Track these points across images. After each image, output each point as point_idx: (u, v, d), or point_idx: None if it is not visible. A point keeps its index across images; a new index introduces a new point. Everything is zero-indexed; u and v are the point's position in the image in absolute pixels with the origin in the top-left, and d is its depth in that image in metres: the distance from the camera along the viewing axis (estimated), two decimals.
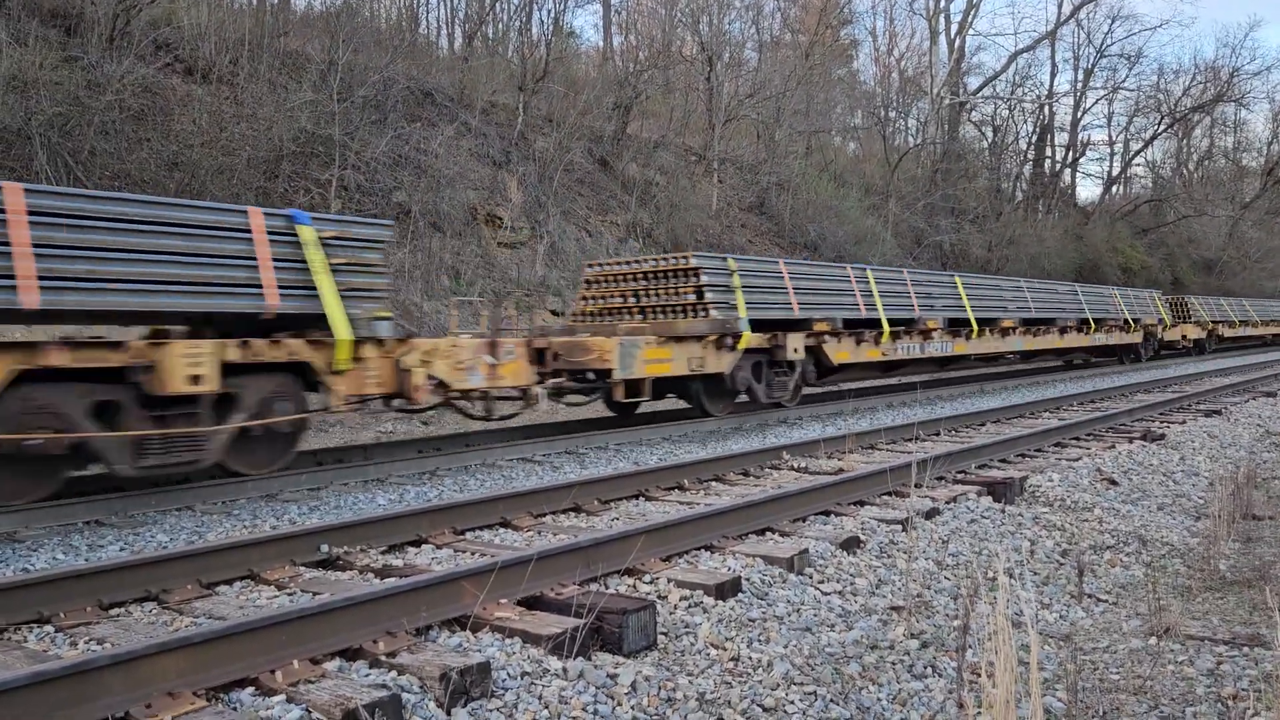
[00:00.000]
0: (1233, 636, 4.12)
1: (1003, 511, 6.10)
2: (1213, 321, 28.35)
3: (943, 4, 39.24)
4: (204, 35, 16.22)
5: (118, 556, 5.07)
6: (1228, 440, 10.00)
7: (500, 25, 25.86)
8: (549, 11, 25.90)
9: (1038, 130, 43.99)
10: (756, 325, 10.92)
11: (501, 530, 5.56)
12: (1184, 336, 26.37)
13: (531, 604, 3.84)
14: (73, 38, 14.05)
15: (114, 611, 4.05)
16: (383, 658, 3.24)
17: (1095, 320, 19.85)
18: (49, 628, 3.81)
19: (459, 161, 18.24)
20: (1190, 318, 26.94)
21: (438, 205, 16.81)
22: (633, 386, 9.87)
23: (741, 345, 10.62)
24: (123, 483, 7.21)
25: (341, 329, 6.98)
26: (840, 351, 12.34)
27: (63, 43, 13.73)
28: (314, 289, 6.89)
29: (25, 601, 3.86)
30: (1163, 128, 47.21)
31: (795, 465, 7.67)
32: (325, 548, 4.86)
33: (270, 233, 6.75)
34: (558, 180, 20.08)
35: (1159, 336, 23.94)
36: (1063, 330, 18.58)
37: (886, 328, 13.15)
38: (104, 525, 5.96)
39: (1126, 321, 21.30)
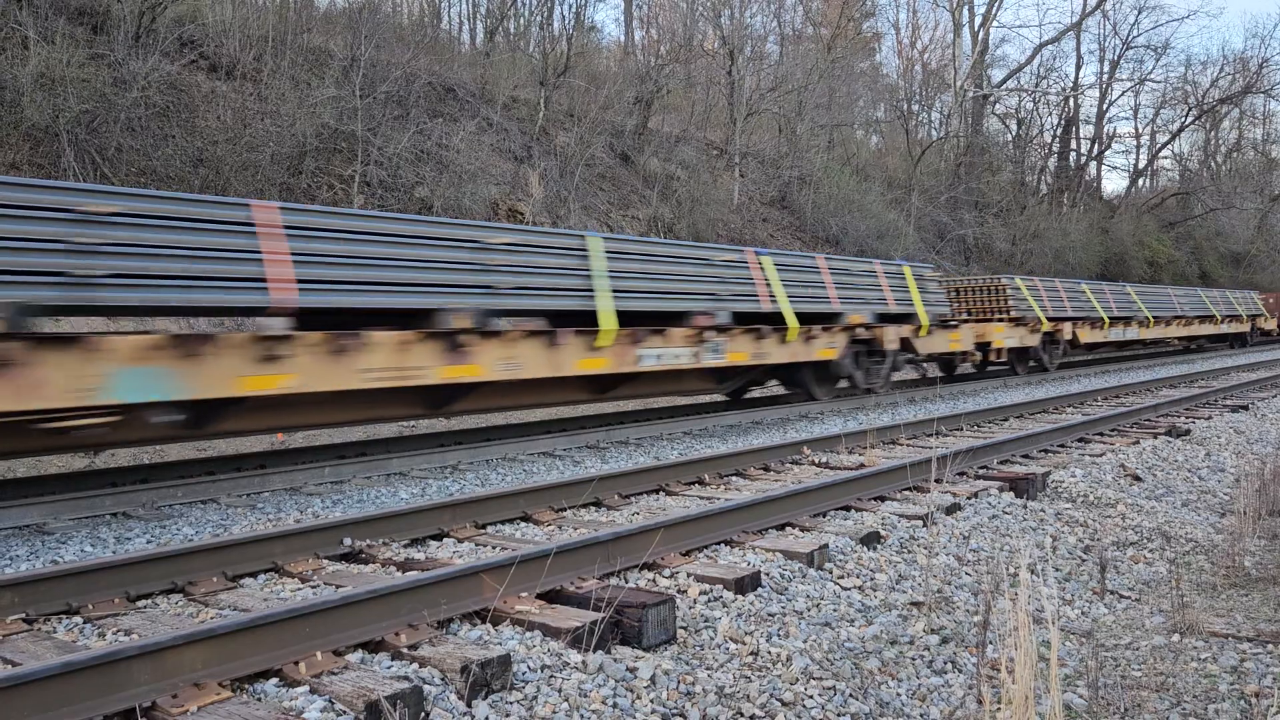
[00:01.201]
0: (1257, 634, 4.09)
1: (1025, 507, 6.07)
2: (1057, 320, 18.19)
3: None
4: (228, 32, 16.36)
5: (144, 549, 5.14)
6: (1254, 436, 9.89)
7: (521, 20, 25.92)
8: (570, 6, 25.96)
9: (1062, 123, 43.61)
10: None
11: (522, 524, 5.59)
12: (976, 346, 15.60)
13: (551, 598, 3.86)
14: (99, 35, 14.20)
15: (141, 603, 4.11)
16: (404, 650, 3.27)
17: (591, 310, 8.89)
18: (77, 619, 3.87)
19: (481, 156, 18.29)
20: (1008, 312, 16.99)
21: (459, 200, 16.87)
22: None
23: None
24: (148, 474, 7.31)
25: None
26: None
27: (89, 40, 13.88)
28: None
29: (54, 593, 3.93)
30: (1190, 120, 46.67)
31: (816, 460, 7.66)
32: (348, 541, 4.91)
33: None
34: (579, 175, 20.11)
35: (885, 349, 12.74)
36: (455, 342, 7.65)
37: None
38: (131, 518, 6.04)
39: (736, 316, 10.45)
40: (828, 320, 11.92)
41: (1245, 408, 11.59)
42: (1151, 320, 22.00)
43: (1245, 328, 28.92)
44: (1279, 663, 3.79)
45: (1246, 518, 5.92)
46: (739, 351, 10.44)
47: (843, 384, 12.76)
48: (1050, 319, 17.89)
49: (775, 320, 11.00)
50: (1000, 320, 16.83)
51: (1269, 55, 48.61)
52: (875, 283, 12.92)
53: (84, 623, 3.83)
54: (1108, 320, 20.04)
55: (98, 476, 7.26)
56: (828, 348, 11.87)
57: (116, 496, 6.23)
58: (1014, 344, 16.86)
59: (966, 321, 16.03)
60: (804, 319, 11.37)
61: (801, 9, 35.63)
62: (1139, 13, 49.95)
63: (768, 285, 10.96)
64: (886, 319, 12.92)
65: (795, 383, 12.54)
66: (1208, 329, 25.68)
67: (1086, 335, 19.31)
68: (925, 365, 16.38)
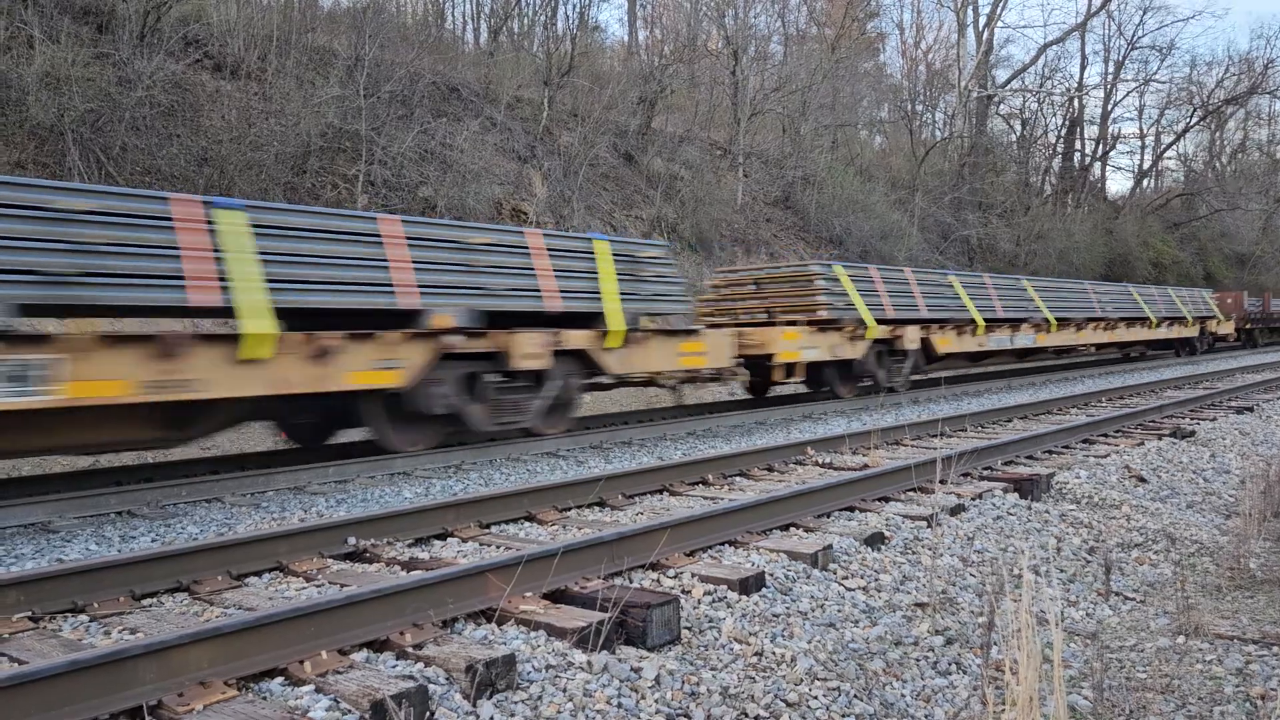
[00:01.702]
0: (1262, 636, 4.09)
1: (1029, 508, 6.06)
2: (897, 323, 13.53)
3: None
4: (232, 32, 16.38)
5: (150, 548, 5.15)
6: (1259, 437, 9.88)
7: (525, 20, 25.94)
8: (574, 6, 25.99)
9: (1067, 123, 43.55)
10: None
11: (526, 524, 5.59)
12: (747, 361, 11.75)
13: (556, 597, 3.86)
14: (104, 35, 14.23)
15: (146, 601, 4.12)
16: (409, 649, 3.28)
17: None
18: (83, 617, 3.88)
19: (484, 156, 18.30)
20: (816, 311, 12.27)
21: (463, 200, 16.89)
22: None
23: None
24: (152, 473, 7.32)
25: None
26: None
27: (94, 40, 13.90)
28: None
29: (60, 591, 3.93)
30: (1195, 120, 46.58)
31: (820, 461, 7.66)
32: (352, 540, 4.91)
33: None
34: (582, 175, 20.11)
35: (522, 368, 8.40)
36: None
37: None
38: (136, 516, 6.05)
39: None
40: (396, 322, 7.65)
41: (1250, 409, 11.56)
42: (1054, 323, 17.28)
43: (1192, 332, 24.28)
44: None
45: (1252, 519, 5.91)
46: (103, 380, 5.96)
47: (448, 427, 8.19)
48: (886, 321, 13.23)
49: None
50: (796, 324, 12.08)
51: (1274, 56, 48.29)
52: (519, 264, 8.52)
53: (90, 621, 3.84)
54: (982, 323, 15.19)
55: (102, 475, 7.28)
56: (379, 369, 7.34)
57: (121, 495, 6.24)
58: (819, 357, 12.03)
59: (722, 325, 11.87)
60: (333, 318, 7.62)
61: (805, 9, 35.64)
62: (1144, 13, 49.76)
63: (218, 261, 6.59)
64: (535, 320, 8.91)
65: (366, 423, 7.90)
66: (1139, 334, 21.09)
67: (948, 343, 14.49)
68: (680, 388, 11.08)
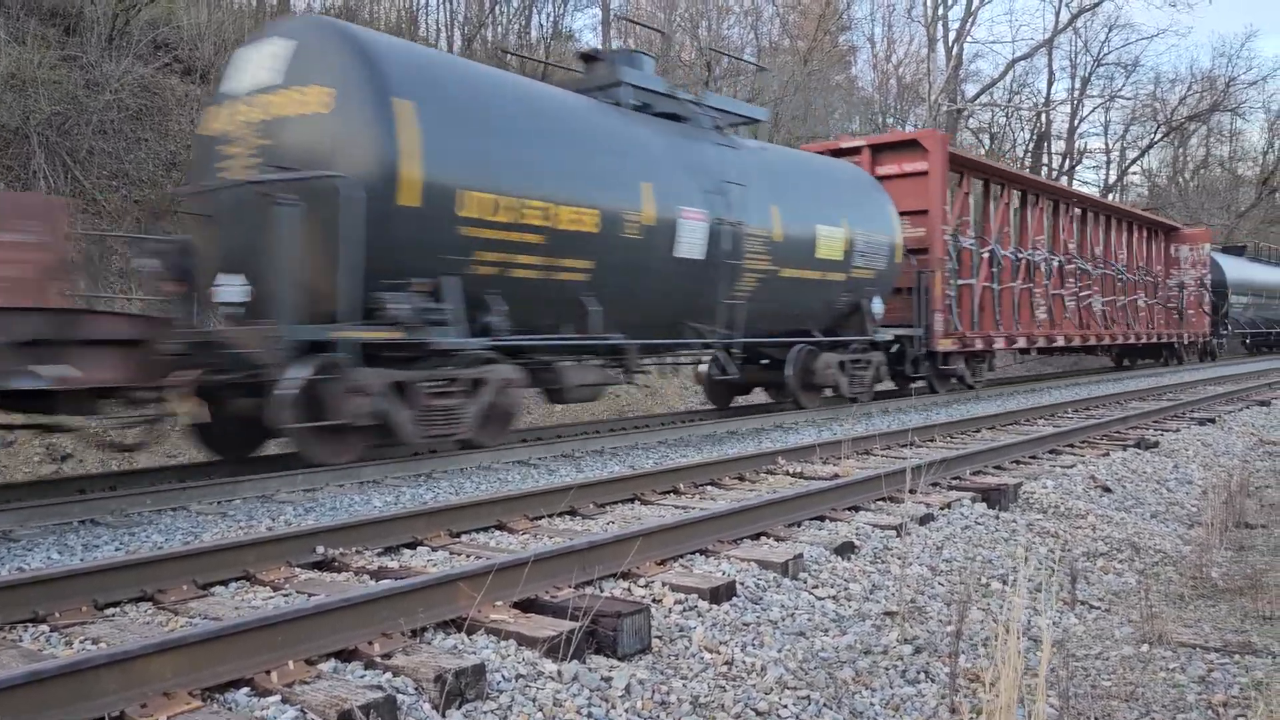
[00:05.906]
0: (1224, 644, 4.15)
1: (997, 517, 6.12)
2: None
3: (941, 11, 39.35)
4: (202, 35, 16.24)
5: (113, 556, 5.07)
6: (1221, 449, 10.03)
7: (500, 28, 25.90)
8: (548, 15, 25.99)
9: (1035, 138, 44.15)
10: None
11: (497, 533, 5.56)
12: None
13: (527, 606, 3.84)
14: (71, 37, 14.06)
15: (109, 611, 4.05)
16: (378, 659, 3.25)
17: None
18: (44, 627, 3.81)
19: None
20: None
21: None
22: None
23: None
24: (116, 481, 7.22)
25: None
26: None
27: (61, 42, 13.74)
28: None
29: (21, 600, 3.86)
30: (1159, 136, 47.37)
31: (791, 470, 7.68)
32: (321, 549, 4.86)
33: None
34: None
35: None
36: None
37: None
38: (99, 524, 5.95)
39: None
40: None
41: (1212, 420, 11.74)
42: None
43: None
44: (1245, 673, 3.84)
45: (1214, 529, 6.00)
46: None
47: None
48: None
49: None
50: None
51: (1235, 74, 49.15)
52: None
53: (51, 631, 3.77)
54: None
55: (65, 484, 7.16)
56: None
57: (85, 504, 6.13)
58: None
59: None
60: None
61: (778, 21, 35.87)
62: (1110, 30, 50.36)
63: None
64: None
65: None
66: None
67: None
68: None
